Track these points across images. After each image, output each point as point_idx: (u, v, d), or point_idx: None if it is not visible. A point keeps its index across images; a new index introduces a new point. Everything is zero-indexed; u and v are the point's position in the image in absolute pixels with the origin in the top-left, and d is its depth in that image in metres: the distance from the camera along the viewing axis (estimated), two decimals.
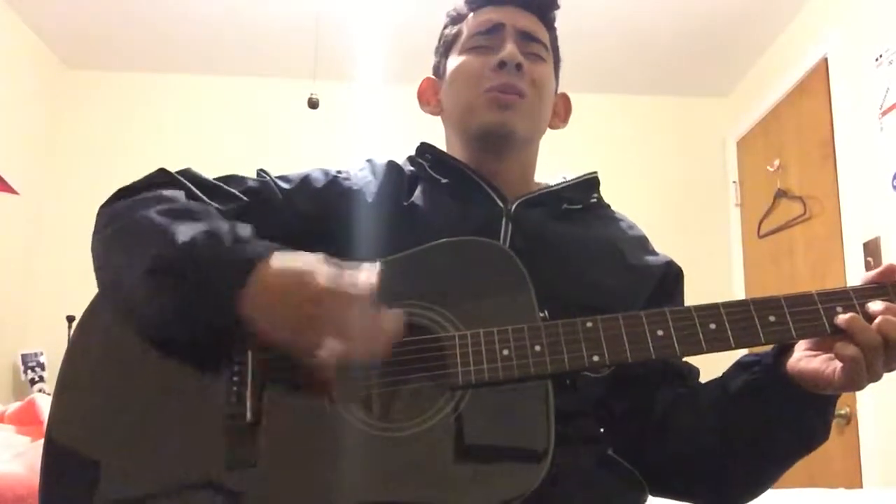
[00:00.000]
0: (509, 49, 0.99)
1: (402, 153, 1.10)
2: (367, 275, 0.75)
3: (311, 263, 0.75)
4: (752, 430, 0.85)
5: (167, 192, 0.88)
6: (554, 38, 1.09)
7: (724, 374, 0.90)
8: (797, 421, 0.83)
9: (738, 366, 0.88)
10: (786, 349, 0.82)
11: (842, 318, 0.75)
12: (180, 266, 0.76)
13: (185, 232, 0.78)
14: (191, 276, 0.76)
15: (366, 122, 3.56)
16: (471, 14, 1.06)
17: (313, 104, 2.88)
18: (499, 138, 1.00)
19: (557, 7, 1.09)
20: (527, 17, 1.04)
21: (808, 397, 0.80)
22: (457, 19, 1.08)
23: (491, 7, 1.05)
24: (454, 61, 1.05)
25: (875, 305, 0.76)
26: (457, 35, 1.07)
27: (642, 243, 1.05)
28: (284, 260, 0.76)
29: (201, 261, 0.76)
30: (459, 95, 1.03)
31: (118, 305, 0.84)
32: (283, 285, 0.73)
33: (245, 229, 0.81)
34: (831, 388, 0.77)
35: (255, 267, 0.74)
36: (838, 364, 0.75)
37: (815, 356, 0.79)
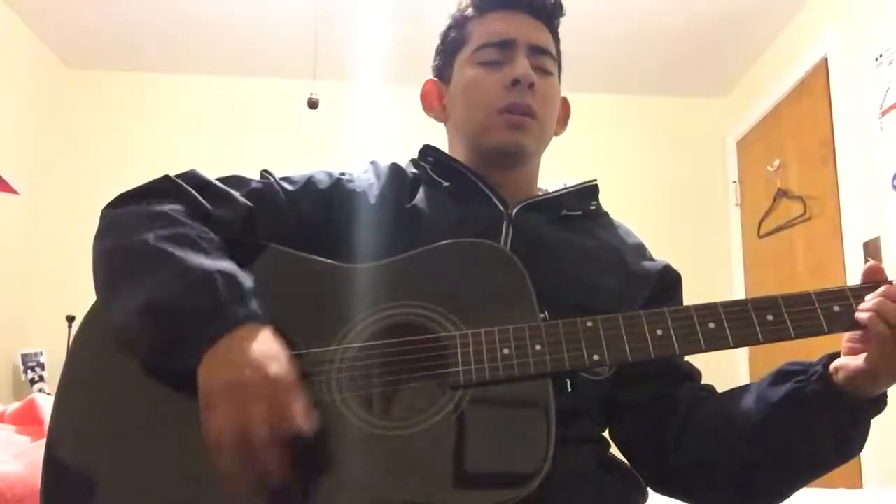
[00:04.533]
0: (522, 68, 0.99)
1: (401, 153, 1.10)
2: (305, 415, 0.73)
3: (274, 355, 0.74)
4: (791, 439, 0.84)
5: (169, 209, 0.87)
6: (557, 43, 1.09)
7: (760, 381, 0.89)
8: (839, 432, 0.82)
9: (780, 375, 0.86)
10: (833, 360, 0.81)
11: (864, 315, 0.75)
12: (170, 312, 0.77)
13: (181, 276, 0.78)
14: (177, 326, 0.76)
15: (365, 123, 3.57)
16: (478, 18, 1.05)
17: (313, 104, 2.88)
18: (509, 156, 1.02)
19: (563, 13, 1.08)
20: (535, 26, 1.04)
21: (853, 409, 0.80)
22: (461, 21, 1.07)
23: (499, 13, 1.04)
24: (463, 73, 1.04)
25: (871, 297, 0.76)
26: (463, 40, 1.06)
27: (640, 250, 1.06)
28: (258, 338, 0.75)
29: (192, 312, 0.76)
30: (471, 113, 1.03)
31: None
32: (242, 359, 0.73)
33: (245, 281, 0.80)
34: (874, 372, 0.76)
35: (231, 330, 0.75)
36: (868, 350, 0.75)
37: (860, 356, 0.78)
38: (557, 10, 1.07)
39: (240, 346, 0.74)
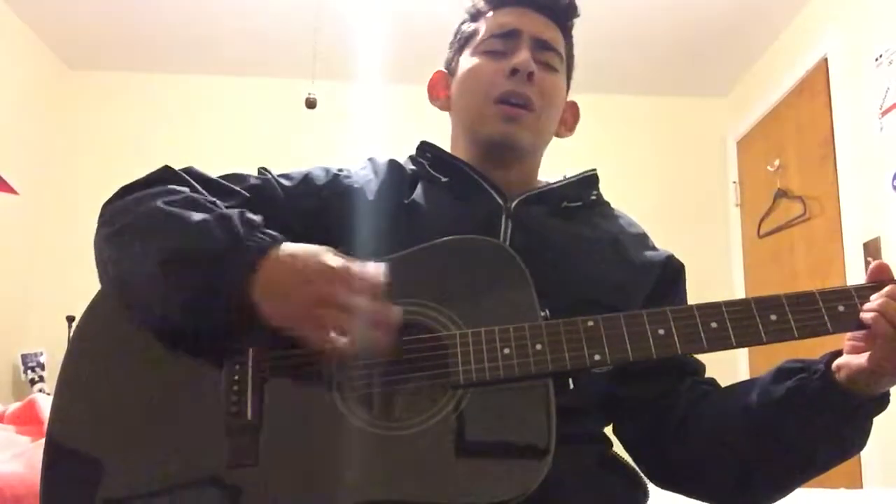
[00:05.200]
0: (523, 57, 0.99)
1: (399, 153, 1.10)
2: (376, 266, 0.78)
3: (321, 249, 0.78)
4: (792, 437, 0.83)
5: (172, 186, 0.88)
6: (570, 46, 1.08)
7: (761, 378, 0.88)
8: (840, 430, 0.82)
9: (781, 372, 0.86)
10: (835, 358, 0.81)
11: (868, 315, 0.75)
12: (192, 254, 0.78)
13: (195, 219, 0.80)
14: (203, 264, 0.77)
15: (363, 122, 3.56)
16: (490, 13, 1.05)
17: (311, 104, 2.88)
18: (503, 149, 1.01)
19: (577, 15, 1.08)
20: (545, 23, 1.04)
21: (855, 407, 0.79)
22: (475, 16, 1.07)
23: (510, 9, 1.04)
24: (467, 61, 1.05)
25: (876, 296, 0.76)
26: (473, 33, 1.06)
27: (642, 240, 1.05)
28: (295, 246, 0.78)
29: (213, 247, 0.78)
30: (469, 100, 1.03)
31: (124, 300, 0.84)
32: (294, 266, 0.76)
33: (254, 216, 0.82)
34: (888, 374, 0.76)
35: (266, 252, 0.77)
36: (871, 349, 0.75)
37: (863, 355, 0.78)
38: (571, 11, 1.07)
39: (285, 260, 0.77)
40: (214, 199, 0.88)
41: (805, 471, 0.86)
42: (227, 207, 0.89)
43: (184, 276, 0.77)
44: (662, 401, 0.94)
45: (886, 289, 0.76)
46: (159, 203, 0.83)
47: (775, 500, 0.90)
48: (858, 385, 0.78)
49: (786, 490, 0.89)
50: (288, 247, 0.78)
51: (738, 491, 0.89)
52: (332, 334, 0.73)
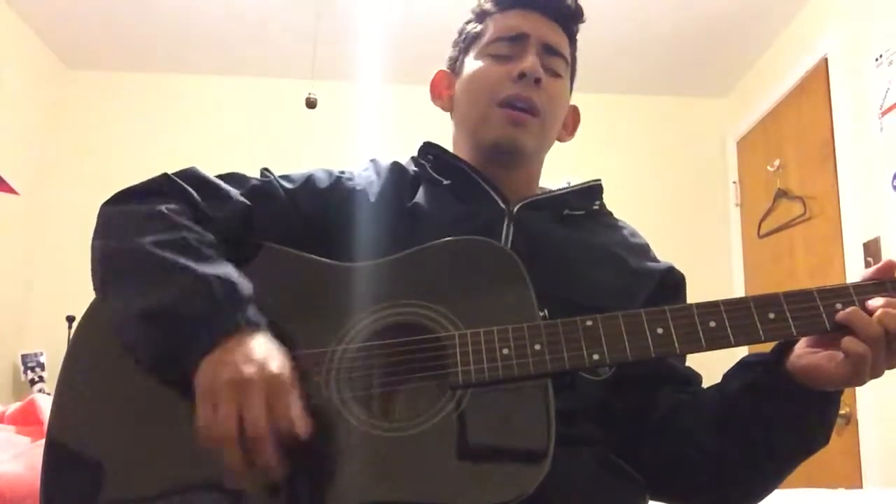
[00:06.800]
0: (531, 62, 0.98)
1: (400, 153, 1.10)
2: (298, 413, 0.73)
3: (272, 354, 0.75)
4: (751, 431, 0.84)
5: (168, 210, 0.86)
6: (574, 51, 1.08)
7: (724, 375, 0.90)
8: (796, 421, 0.82)
9: (739, 366, 0.87)
10: (787, 349, 0.82)
11: (843, 313, 0.75)
12: (169, 317, 0.77)
13: (179, 280, 0.79)
14: (170, 334, 0.77)
15: (364, 122, 3.57)
16: (497, 14, 1.05)
17: (311, 104, 2.88)
18: (507, 153, 1.01)
19: (583, 20, 1.08)
20: (552, 27, 1.03)
21: (808, 397, 0.79)
22: (481, 17, 1.07)
23: (517, 11, 1.03)
24: (473, 64, 1.04)
25: (875, 301, 0.76)
26: (479, 34, 1.06)
27: (644, 250, 1.05)
28: (257, 341, 0.76)
29: (191, 314, 0.77)
30: (474, 103, 1.02)
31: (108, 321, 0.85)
32: (231, 359, 0.73)
33: (244, 288, 0.80)
34: (832, 383, 0.77)
35: (236, 330, 0.75)
36: (840, 359, 0.75)
37: (816, 353, 0.78)
38: (577, 16, 1.07)
39: (238, 348, 0.74)
40: (209, 240, 0.86)
41: (771, 467, 0.86)
42: (224, 219, 0.90)
43: (158, 331, 0.78)
44: (643, 409, 0.94)
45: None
46: (147, 242, 0.82)
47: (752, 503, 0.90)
48: (814, 383, 0.78)
49: (758, 489, 0.89)
50: (254, 339, 0.75)
51: (712, 492, 0.90)
52: (216, 428, 0.70)
